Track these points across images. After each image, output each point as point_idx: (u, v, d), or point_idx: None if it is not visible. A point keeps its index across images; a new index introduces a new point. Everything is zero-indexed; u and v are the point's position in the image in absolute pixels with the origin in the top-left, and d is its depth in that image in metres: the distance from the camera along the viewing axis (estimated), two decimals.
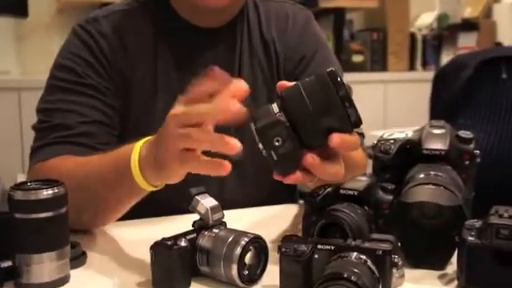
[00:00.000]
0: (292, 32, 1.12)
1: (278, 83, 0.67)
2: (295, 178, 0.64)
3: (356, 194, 0.77)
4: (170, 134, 0.68)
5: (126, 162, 0.77)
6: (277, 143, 0.62)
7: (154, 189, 0.78)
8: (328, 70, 0.62)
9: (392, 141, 0.87)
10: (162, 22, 1.06)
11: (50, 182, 0.70)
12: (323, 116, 0.62)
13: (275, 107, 0.63)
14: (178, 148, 0.68)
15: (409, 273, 0.70)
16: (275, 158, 0.63)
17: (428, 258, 0.75)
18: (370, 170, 0.89)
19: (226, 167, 0.66)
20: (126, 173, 0.76)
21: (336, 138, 0.62)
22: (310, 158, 0.63)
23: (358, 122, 0.63)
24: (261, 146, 0.63)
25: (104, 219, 0.91)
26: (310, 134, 0.63)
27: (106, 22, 1.04)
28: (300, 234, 0.77)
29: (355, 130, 0.64)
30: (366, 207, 0.78)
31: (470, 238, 0.67)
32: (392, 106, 3.30)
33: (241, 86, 0.66)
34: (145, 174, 0.76)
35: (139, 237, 0.89)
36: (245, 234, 0.71)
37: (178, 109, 0.68)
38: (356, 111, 0.62)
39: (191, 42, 1.06)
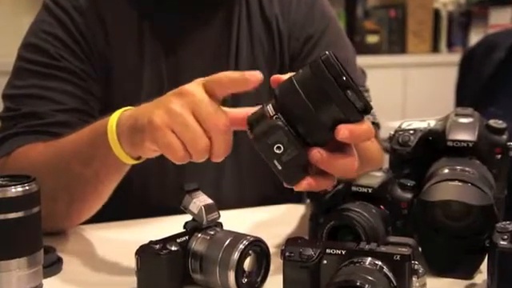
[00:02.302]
0: (297, 8, 1.12)
1: (272, 78, 0.68)
2: (307, 184, 0.65)
3: (370, 191, 0.78)
4: (168, 107, 0.69)
5: (102, 130, 0.78)
6: (278, 151, 0.63)
7: (133, 162, 0.79)
8: (322, 55, 0.63)
9: (412, 131, 0.87)
10: None
11: (20, 178, 0.70)
12: (324, 109, 0.62)
13: (270, 109, 0.64)
14: (163, 123, 0.69)
15: (431, 282, 0.70)
16: (279, 167, 0.64)
17: (453, 265, 0.75)
18: (386, 165, 0.89)
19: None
20: (103, 140, 0.78)
21: (343, 130, 0.62)
22: (317, 154, 0.64)
23: (367, 108, 0.63)
24: (262, 155, 0.64)
25: (82, 205, 0.91)
26: (313, 131, 0.63)
27: None
28: (306, 237, 0.77)
29: (369, 119, 0.65)
30: (382, 207, 0.78)
31: (502, 243, 0.67)
32: (412, 92, 3.31)
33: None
34: (121, 141, 0.77)
35: (123, 240, 0.89)
36: (244, 236, 0.71)
37: (196, 89, 0.69)
38: (361, 96, 0.63)
39: (181, 17, 1.06)
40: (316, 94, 0.62)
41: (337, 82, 0.62)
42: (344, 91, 0.62)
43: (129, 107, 0.79)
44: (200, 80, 0.71)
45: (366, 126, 0.64)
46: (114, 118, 0.78)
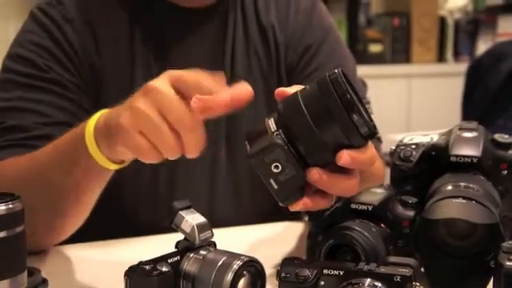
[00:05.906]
0: (295, 17, 1.13)
1: (277, 90, 0.68)
2: (303, 205, 0.65)
3: (370, 208, 0.78)
4: (133, 107, 0.70)
5: (80, 135, 0.79)
6: (275, 170, 0.63)
7: (114, 167, 0.79)
8: (330, 72, 0.63)
9: (414, 146, 0.87)
10: (137, 3, 1.07)
11: (3, 196, 0.70)
12: (327, 131, 0.63)
13: (272, 124, 0.65)
14: (130, 124, 0.70)
15: None
16: (275, 186, 0.64)
17: (457, 286, 0.75)
18: (387, 181, 0.90)
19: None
20: (81, 147, 0.79)
21: (345, 156, 0.63)
22: (316, 174, 0.64)
23: (371, 134, 0.64)
24: (258, 172, 0.64)
25: (65, 219, 0.91)
26: (315, 151, 0.64)
27: (71, 4, 1.05)
28: (304, 257, 0.77)
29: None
30: (383, 225, 0.78)
31: (509, 264, 0.67)
32: (417, 104, 3.32)
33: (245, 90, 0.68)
34: (100, 145, 0.77)
35: (112, 260, 0.89)
36: (238, 256, 0.71)
37: (161, 84, 0.70)
38: (367, 120, 0.63)
39: (174, 27, 1.07)
40: (320, 115, 0.62)
41: (343, 104, 0.62)
42: (350, 114, 0.62)
43: (107, 109, 0.80)
44: (168, 73, 0.72)
45: (369, 153, 0.64)
46: (92, 122, 0.79)
